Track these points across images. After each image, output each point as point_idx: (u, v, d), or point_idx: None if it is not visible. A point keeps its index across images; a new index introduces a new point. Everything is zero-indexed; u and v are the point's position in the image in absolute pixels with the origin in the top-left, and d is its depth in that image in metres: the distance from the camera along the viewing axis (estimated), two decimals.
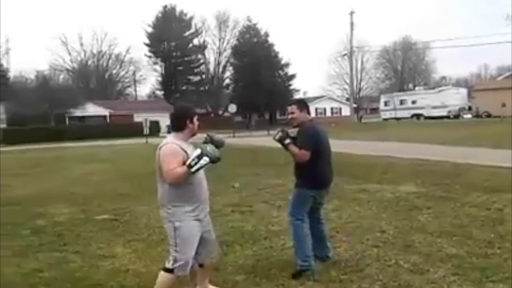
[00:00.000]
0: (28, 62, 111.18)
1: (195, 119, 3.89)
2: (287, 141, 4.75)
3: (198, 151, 3.63)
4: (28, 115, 42.21)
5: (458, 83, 71.61)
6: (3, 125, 46.97)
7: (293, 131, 4.85)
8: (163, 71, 67.62)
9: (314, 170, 4.72)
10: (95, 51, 69.54)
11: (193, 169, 3.60)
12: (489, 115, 40.30)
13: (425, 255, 5.10)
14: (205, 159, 3.60)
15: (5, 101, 47.17)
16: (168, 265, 3.79)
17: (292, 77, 63.30)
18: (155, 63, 68.22)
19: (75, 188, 11.43)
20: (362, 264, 4.88)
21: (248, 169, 13.49)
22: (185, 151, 3.71)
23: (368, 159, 15.23)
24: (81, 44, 69.62)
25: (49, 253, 5.81)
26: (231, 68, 66.56)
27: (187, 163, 3.62)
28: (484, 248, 5.29)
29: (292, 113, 4.84)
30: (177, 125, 3.87)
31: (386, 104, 52.85)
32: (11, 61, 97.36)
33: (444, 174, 10.89)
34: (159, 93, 69.92)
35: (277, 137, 4.81)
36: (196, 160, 3.59)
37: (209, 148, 3.67)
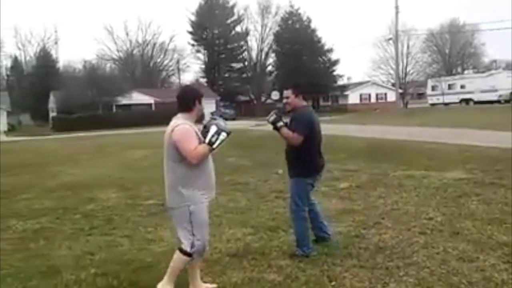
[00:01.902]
0: (76, 52, 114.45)
1: (202, 100, 3.90)
2: (280, 123, 4.70)
3: (215, 128, 3.67)
4: (77, 103, 43.44)
5: (509, 67, 68.81)
6: (53, 114, 48.65)
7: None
8: (206, 59, 67.99)
9: (309, 157, 4.75)
10: (140, 41, 70.67)
11: (215, 146, 3.64)
12: None
13: (474, 243, 4.98)
14: (224, 134, 3.67)
15: (55, 90, 48.79)
16: (186, 248, 3.76)
17: (336, 62, 62.36)
18: (198, 51, 68.66)
19: (124, 173, 11.74)
20: (409, 251, 4.80)
21: None
22: (196, 131, 3.73)
23: (413, 145, 14.92)
24: (127, 34, 71.13)
25: (99, 236, 6.00)
26: (273, 54, 66.17)
27: (207, 140, 3.63)
28: None
29: (287, 97, 4.81)
30: (185, 106, 3.83)
31: (433, 88, 51.43)
32: (59, 51, 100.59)
33: (494, 160, 10.55)
34: (202, 80, 70.49)
35: (271, 119, 4.74)
36: (216, 136, 3.64)
37: (223, 122, 3.73)
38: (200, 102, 3.87)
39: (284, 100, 4.84)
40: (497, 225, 5.62)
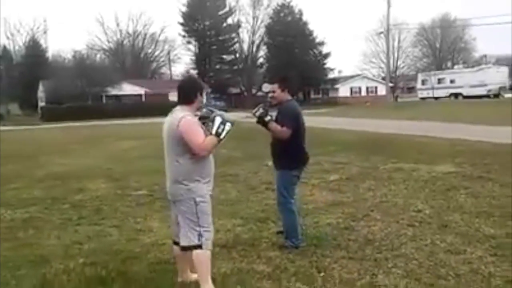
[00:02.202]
0: (65, 42, 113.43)
1: (203, 92, 3.88)
2: (268, 117, 4.63)
3: (219, 119, 3.65)
4: (66, 93, 43.12)
5: (499, 62, 69.21)
6: (42, 103, 48.25)
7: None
8: (197, 50, 67.68)
9: (296, 150, 4.76)
10: (130, 31, 70.18)
11: (222, 136, 3.62)
12: None
13: (462, 235, 5.03)
14: (229, 125, 3.66)
15: (44, 79, 48.37)
16: (194, 241, 3.67)
17: (327, 55, 62.41)
18: (189, 42, 68.31)
19: (113, 164, 11.69)
20: (397, 243, 4.84)
21: None
22: (200, 124, 3.71)
23: (403, 138, 14.99)
24: (117, 24, 70.38)
25: (88, 226, 5.98)
26: (264, 47, 66.06)
27: (214, 131, 3.60)
28: None
29: (273, 92, 4.78)
30: (187, 97, 3.77)
31: (423, 83, 51.66)
32: (49, 40, 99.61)
33: (483, 154, 10.63)
34: (193, 72, 70.18)
35: (258, 113, 4.64)
36: (222, 127, 3.62)
37: (225, 114, 3.73)
38: (201, 94, 3.82)
39: (270, 94, 4.80)
40: (485, 218, 5.67)
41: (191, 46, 68.43)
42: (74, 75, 44.97)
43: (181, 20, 66.58)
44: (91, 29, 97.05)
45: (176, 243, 3.88)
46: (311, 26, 62.33)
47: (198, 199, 3.65)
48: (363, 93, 61.90)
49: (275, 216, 6.04)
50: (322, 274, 4.09)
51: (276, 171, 4.89)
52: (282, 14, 62.18)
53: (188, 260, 3.87)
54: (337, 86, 61.54)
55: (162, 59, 74.51)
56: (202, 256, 3.70)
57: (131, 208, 6.91)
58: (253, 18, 66.97)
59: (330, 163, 10.30)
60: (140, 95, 52.30)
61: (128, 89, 50.60)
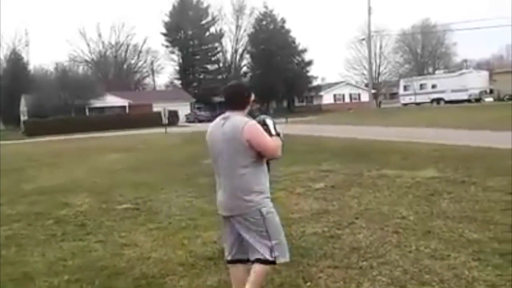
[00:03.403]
0: (47, 54, 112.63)
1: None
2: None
3: (270, 120, 3.61)
4: (49, 107, 42.84)
5: (479, 66, 70.16)
6: (25, 117, 47.79)
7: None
8: (180, 60, 67.79)
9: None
10: (113, 42, 70.06)
11: (281, 136, 3.56)
12: (511, 98, 39.50)
13: (446, 241, 5.07)
14: (278, 127, 3.61)
15: (26, 93, 47.94)
16: (265, 256, 3.42)
17: (310, 63, 62.88)
18: (172, 53, 68.47)
19: (97, 178, 11.61)
20: (382, 251, 4.87)
21: None
22: None
23: (387, 145, 15.11)
24: (99, 35, 70.30)
25: (72, 242, 5.92)
26: (248, 55, 66.41)
27: (274, 132, 3.50)
28: (506, 233, 5.22)
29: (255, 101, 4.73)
30: (241, 102, 3.56)
31: (405, 88, 52.16)
32: (30, 53, 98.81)
33: (465, 159, 10.76)
34: (177, 82, 70.19)
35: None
36: (277, 127, 3.58)
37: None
38: (250, 98, 3.65)
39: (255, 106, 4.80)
40: (468, 222, 5.73)
41: (174, 56, 68.67)
42: (57, 88, 44.74)
43: (164, 30, 66.72)
44: (73, 41, 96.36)
45: (231, 262, 3.66)
46: (293, 34, 62.97)
47: (264, 209, 3.43)
48: (347, 100, 62.46)
49: None
50: (308, 284, 4.10)
51: None
52: (264, 23, 62.65)
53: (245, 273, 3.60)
54: (321, 93, 62.00)
55: (145, 69, 74.61)
56: (266, 271, 3.55)
57: (115, 223, 6.85)
58: (236, 27, 67.47)
59: (315, 171, 10.34)
60: (124, 107, 52.15)
61: (111, 100, 50.45)
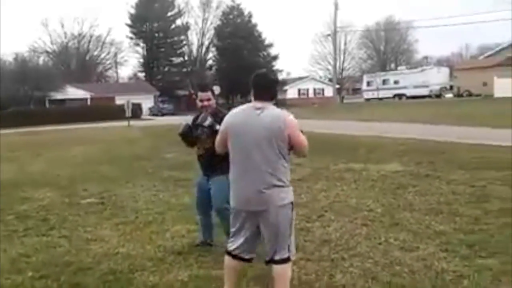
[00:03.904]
0: (6, 45, 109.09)
1: None
2: (218, 127, 4.14)
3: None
4: (7, 98, 41.46)
5: (439, 63, 71.92)
6: None
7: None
8: (145, 53, 66.67)
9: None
10: (76, 33, 68.30)
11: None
12: (470, 94, 40.66)
13: (414, 233, 5.15)
14: None
15: None
16: (285, 253, 3.32)
17: (276, 57, 63.03)
18: (137, 45, 67.22)
19: (59, 171, 11.29)
20: (353, 243, 4.90)
21: None
22: None
23: (352, 139, 15.29)
24: (62, 26, 68.33)
25: (35, 237, 5.71)
26: (214, 49, 65.95)
27: (300, 130, 3.36)
28: (471, 224, 5.35)
29: (208, 100, 4.67)
30: (274, 93, 3.44)
31: (368, 84, 53.04)
32: None
33: (428, 153, 10.98)
34: (141, 75, 69.15)
35: (207, 123, 4.58)
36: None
37: None
38: None
39: (205, 103, 4.65)
40: (434, 215, 5.84)
41: (139, 48, 67.47)
42: (16, 79, 43.28)
43: (129, 22, 65.46)
44: (34, 31, 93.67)
45: (236, 257, 3.49)
46: (260, 28, 62.84)
47: (293, 206, 3.35)
48: (311, 94, 62.83)
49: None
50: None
51: (213, 179, 4.62)
52: (231, 16, 62.37)
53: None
54: (285, 88, 62.14)
55: (108, 61, 72.98)
56: (289, 268, 3.41)
57: (80, 217, 6.65)
58: (203, 20, 66.75)
59: None
60: (86, 99, 51.01)
61: (73, 92, 49.29)
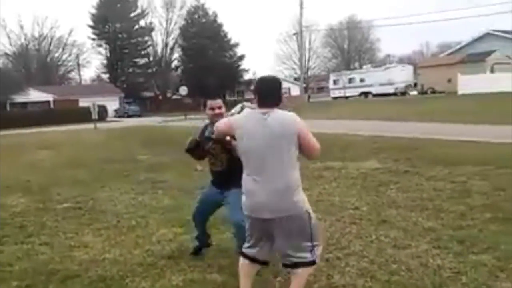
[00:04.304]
0: None
1: None
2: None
3: None
4: None
5: (401, 61, 73.23)
6: None
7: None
8: (108, 54, 65.53)
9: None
10: (36, 34, 66.54)
11: None
12: (434, 91, 41.51)
13: (403, 230, 5.16)
14: None
15: None
16: (307, 257, 3.27)
17: (242, 57, 62.98)
18: (100, 46, 65.98)
19: (28, 176, 10.90)
20: (345, 242, 4.87)
21: None
22: None
23: (325, 137, 15.26)
24: (21, 27, 66.47)
25: (14, 245, 5.45)
26: (179, 49, 65.32)
27: None
28: (458, 220, 5.41)
29: (220, 107, 4.25)
30: (279, 97, 3.35)
31: (335, 82, 53.50)
32: None
33: (403, 149, 11.11)
34: (104, 76, 67.96)
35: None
36: None
37: None
38: None
39: (217, 111, 4.21)
40: (419, 211, 5.88)
41: (101, 50, 66.30)
42: None
43: (91, 23, 64.21)
44: None
45: (253, 260, 3.46)
46: (225, 28, 62.64)
47: (310, 211, 3.30)
48: None
49: (217, 223, 5.86)
50: (278, 278, 4.01)
51: (230, 191, 4.15)
52: (196, 16, 61.96)
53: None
54: (252, 87, 62.14)
55: (70, 63, 71.45)
56: (308, 273, 3.40)
57: (58, 223, 6.42)
58: (167, 20, 65.98)
59: None
60: (48, 102, 49.76)
61: (35, 95, 48.01)
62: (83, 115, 37.89)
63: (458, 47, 49.80)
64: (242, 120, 3.36)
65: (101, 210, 7.03)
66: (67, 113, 42.60)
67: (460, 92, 35.01)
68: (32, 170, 11.99)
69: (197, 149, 4.35)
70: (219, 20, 62.50)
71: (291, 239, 3.24)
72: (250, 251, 3.44)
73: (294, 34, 55.59)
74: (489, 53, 40.93)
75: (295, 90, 60.62)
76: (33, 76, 59.71)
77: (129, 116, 49.30)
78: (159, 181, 9.14)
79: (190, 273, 4.26)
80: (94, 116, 33.62)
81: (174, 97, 63.42)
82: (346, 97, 48.87)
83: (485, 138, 11.95)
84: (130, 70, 66.02)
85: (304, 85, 58.17)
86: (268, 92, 3.33)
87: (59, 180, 10.01)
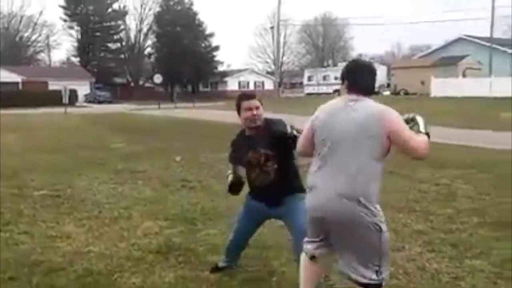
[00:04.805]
0: None
1: None
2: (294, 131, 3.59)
3: (421, 118, 2.96)
4: None
5: (374, 61, 74.12)
6: None
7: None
8: (79, 36, 64.15)
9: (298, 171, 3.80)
10: (5, 12, 64.53)
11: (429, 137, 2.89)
12: (407, 93, 42.07)
13: (395, 231, 5.09)
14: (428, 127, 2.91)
15: None
16: (369, 277, 2.81)
17: (217, 48, 62.55)
18: (71, 28, 64.52)
19: None
20: None
21: (187, 142, 13.11)
22: None
23: None
24: None
25: None
26: (153, 36, 64.43)
27: (424, 130, 2.86)
28: (447, 223, 5.40)
29: (258, 108, 3.64)
30: (373, 86, 2.92)
31: (309, 79, 53.76)
32: None
33: None
34: (75, 59, 66.52)
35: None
36: (427, 126, 2.91)
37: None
38: None
39: (255, 112, 3.61)
40: (407, 213, 5.86)
41: (72, 32, 64.90)
42: None
43: (63, 3, 62.62)
44: None
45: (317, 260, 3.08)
46: (201, 17, 62.09)
47: (384, 227, 2.83)
48: (251, 87, 62.86)
49: (202, 217, 5.76)
50: (274, 278, 3.91)
51: (287, 198, 3.65)
52: (171, 3, 61.12)
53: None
54: (226, 79, 61.87)
55: (40, 44, 69.63)
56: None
57: (36, 211, 6.15)
58: (141, 5, 64.98)
59: None
60: (17, 83, 48.31)
61: (3, 75, 46.46)
62: (53, 99, 36.92)
63: (431, 50, 50.62)
64: (319, 111, 3.00)
65: (81, 199, 6.79)
66: (37, 95, 41.49)
67: (432, 94, 35.58)
68: (3, 153, 11.54)
69: (241, 184, 3.79)
70: (194, 9, 61.93)
71: (353, 251, 2.87)
72: (314, 251, 3.09)
73: (271, 27, 55.47)
74: (461, 58, 41.70)
75: (269, 84, 60.62)
76: (0, 55, 57.91)
77: (100, 102, 48.38)
78: (137, 171, 8.93)
79: (181, 270, 4.11)
80: (65, 100, 32.82)
81: (147, 85, 62.60)
82: (319, 94, 49.11)
83: (462, 142, 12.14)
84: (102, 54, 64.82)
85: (279, 80, 58.23)
86: (362, 78, 2.88)
87: (31, 165, 9.67)
